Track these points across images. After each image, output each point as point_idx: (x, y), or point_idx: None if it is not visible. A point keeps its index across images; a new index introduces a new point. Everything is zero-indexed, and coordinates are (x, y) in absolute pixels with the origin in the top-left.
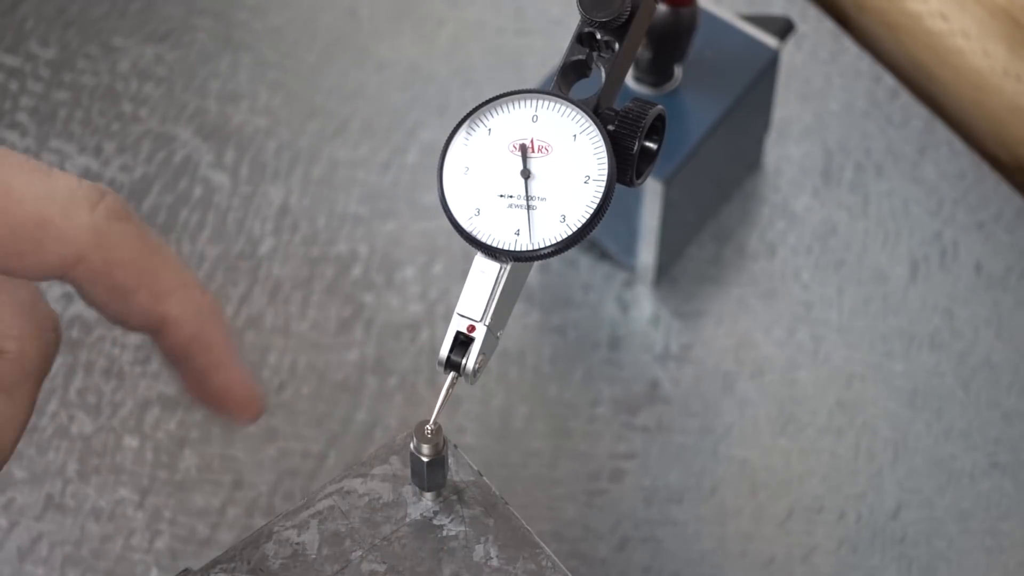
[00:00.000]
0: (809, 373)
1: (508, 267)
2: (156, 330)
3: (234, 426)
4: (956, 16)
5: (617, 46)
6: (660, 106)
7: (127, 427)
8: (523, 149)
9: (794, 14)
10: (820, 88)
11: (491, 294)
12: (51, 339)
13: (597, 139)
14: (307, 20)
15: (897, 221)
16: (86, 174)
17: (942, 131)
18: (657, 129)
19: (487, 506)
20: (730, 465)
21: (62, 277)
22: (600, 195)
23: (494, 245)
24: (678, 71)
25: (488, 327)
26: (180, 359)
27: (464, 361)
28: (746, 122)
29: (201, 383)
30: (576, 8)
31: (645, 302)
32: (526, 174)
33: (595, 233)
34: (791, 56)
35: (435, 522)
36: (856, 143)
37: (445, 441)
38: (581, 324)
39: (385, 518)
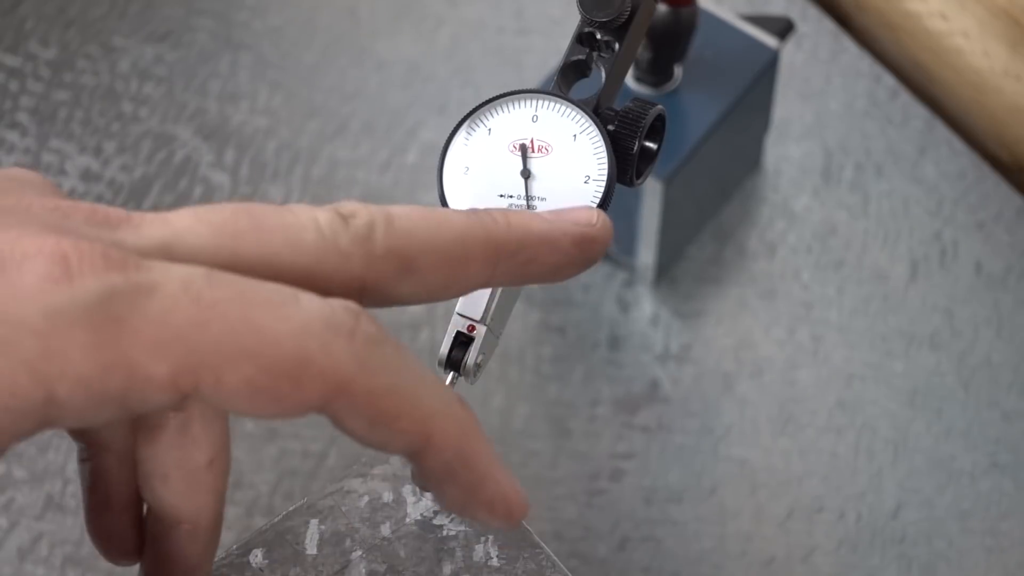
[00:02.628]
0: (809, 373)
1: None
2: (418, 452)
3: (495, 527)
4: (956, 16)
5: (617, 46)
6: (660, 106)
7: None
8: (523, 149)
9: (794, 14)
10: (820, 88)
11: (491, 294)
12: (212, 509)
13: (597, 139)
14: (307, 20)
15: (897, 221)
16: (86, 174)
17: (942, 131)
18: (657, 129)
19: None
20: (730, 465)
21: (319, 411)
22: (600, 195)
23: None
24: (678, 71)
25: (488, 327)
26: (444, 477)
27: (464, 361)
28: (746, 122)
29: (468, 498)
30: (576, 8)
31: (645, 302)
32: (526, 174)
33: None
34: (791, 56)
35: (435, 522)
36: (856, 143)
37: None
38: (581, 324)
39: (385, 518)
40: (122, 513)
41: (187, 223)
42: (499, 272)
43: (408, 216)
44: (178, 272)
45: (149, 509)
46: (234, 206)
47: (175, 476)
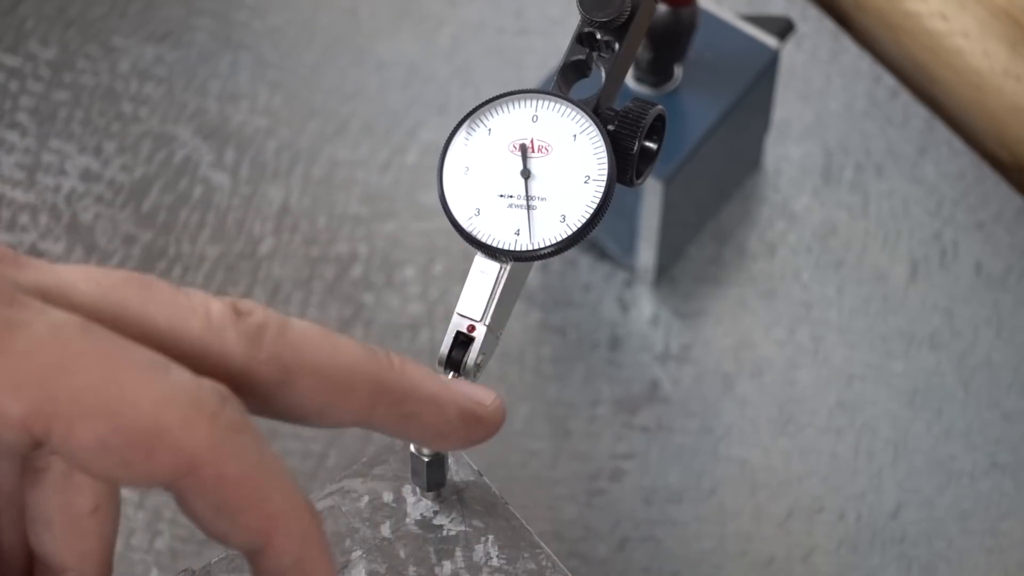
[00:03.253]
0: (809, 373)
1: (508, 267)
2: (257, 551)
3: None
4: (956, 16)
5: (617, 46)
6: (660, 106)
7: None
8: (523, 149)
9: (794, 14)
10: (820, 88)
11: (491, 294)
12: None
13: (597, 139)
14: (307, 20)
15: (897, 221)
16: (86, 174)
17: (942, 131)
18: (657, 129)
19: (487, 506)
20: (730, 465)
21: (165, 486)
22: (600, 195)
23: (494, 245)
24: (678, 71)
25: (488, 327)
26: None
27: (464, 361)
28: (746, 122)
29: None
30: (576, 8)
31: (645, 302)
32: (526, 174)
33: (595, 233)
34: (791, 56)
35: (435, 522)
36: (856, 143)
37: None
38: (581, 324)
39: (385, 518)
40: (13, 559)
41: (75, 276)
42: (377, 416)
43: (303, 331)
44: (53, 315)
45: (35, 556)
46: (130, 273)
47: (58, 522)
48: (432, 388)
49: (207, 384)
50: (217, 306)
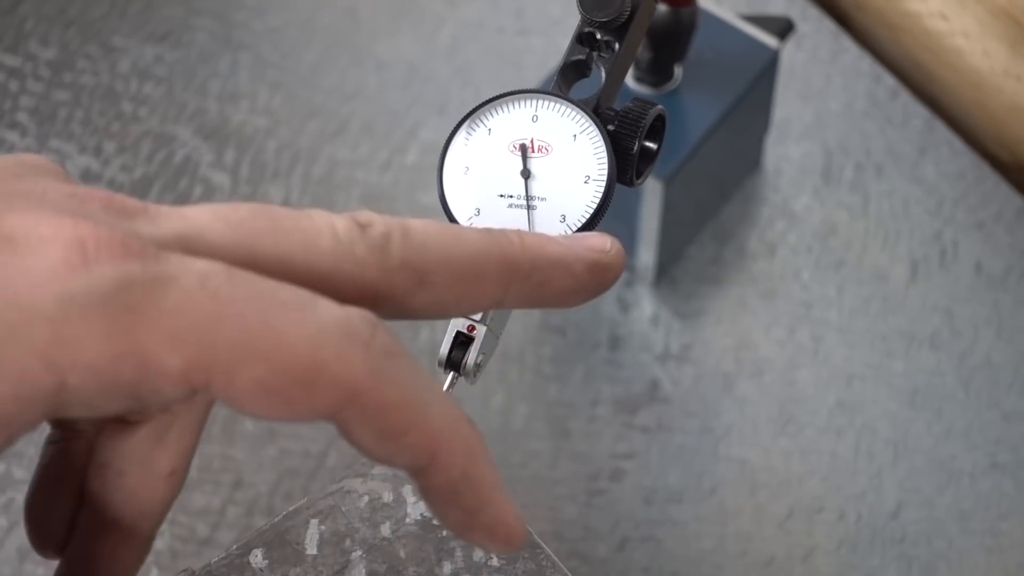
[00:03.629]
0: (809, 373)
1: None
2: (423, 469)
3: (491, 551)
4: (956, 16)
5: (617, 46)
6: (660, 106)
7: None
8: (523, 149)
9: (794, 14)
10: (820, 88)
11: None
12: (159, 516)
13: (597, 139)
14: (307, 20)
15: (897, 221)
16: (86, 174)
17: (942, 131)
18: (657, 129)
19: None
20: (730, 465)
21: (327, 418)
22: (600, 195)
23: None
24: (678, 71)
25: (488, 327)
26: (446, 498)
27: (464, 361)
28: (746, 122)
29: (468, 520)
30: (576, 8)
31: (645, 302)
32: (526, 174)
33: None
34: (791, 56)
35: (435, 522)
36: (856, 143)
37: None
38: (581, 324)
39: (385, 518)
40: (67, 499)
41: (205, 218)
42: (512, 293)
43: (424, 229)
44: (197, 266)
45: (87, 505)
46: (252, 206)
47: (132, 474)
48: (556, 252)
49: (355, 313)
50: (341, 223)
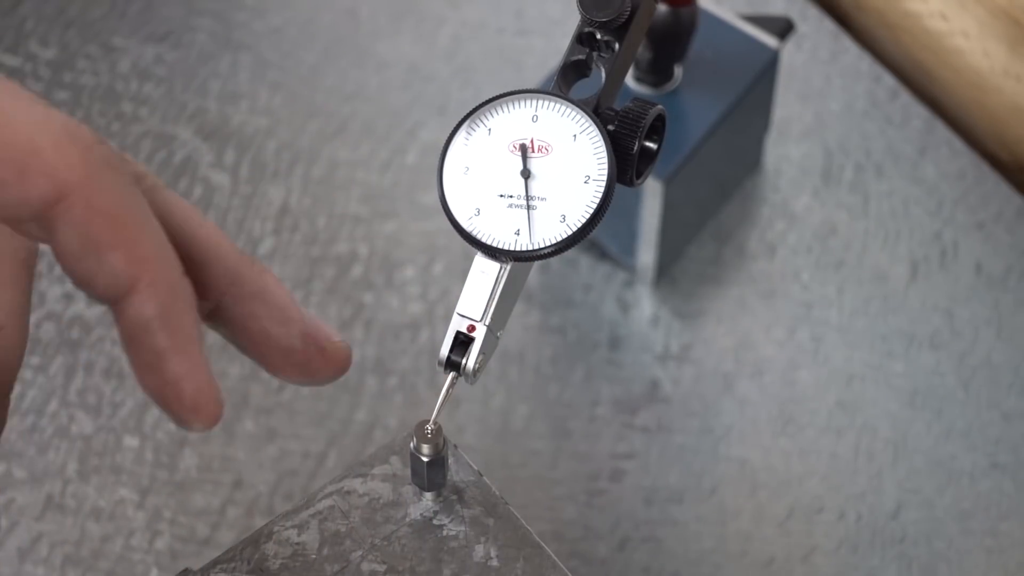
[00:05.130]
0: (809, 373)
1: (508, 267)
2: (121, 298)
3: (187, 430)
4: (956, 16)
5: (617, 46)
6: (660, 106)
7: (127, 427)
8: (523, 149)
9: (794, 14)
10: (820, 88)
11: (491, 294)
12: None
13: (597, 139)
14: (307, 20)
15: (897, 221)
16: None
17: (942, 131)
18: (657, 129)
19: (487, 506)
20: (730, 465)
21: (37, 217)
22: (600, 195)
23: (494, 245)
24: (678, 71)
25: (488, 327)
26: (138, 335)
27: (464, 361)
28: (746, 122)
29: (155, 369)
30: (576, 8)
31: (645, 302)
32: (526, 174)
33: (595, 233)
34: (791, 56)
35: (435, 522)
36: (856, 143)
37: (445, 441)
38: (581, 324)
39: (385, 518)
40: None
41: None
42: (225, 303)
43: (176, 198)
44: None
45: None
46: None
47: None
48: (284, 299)
49: (84, 126)
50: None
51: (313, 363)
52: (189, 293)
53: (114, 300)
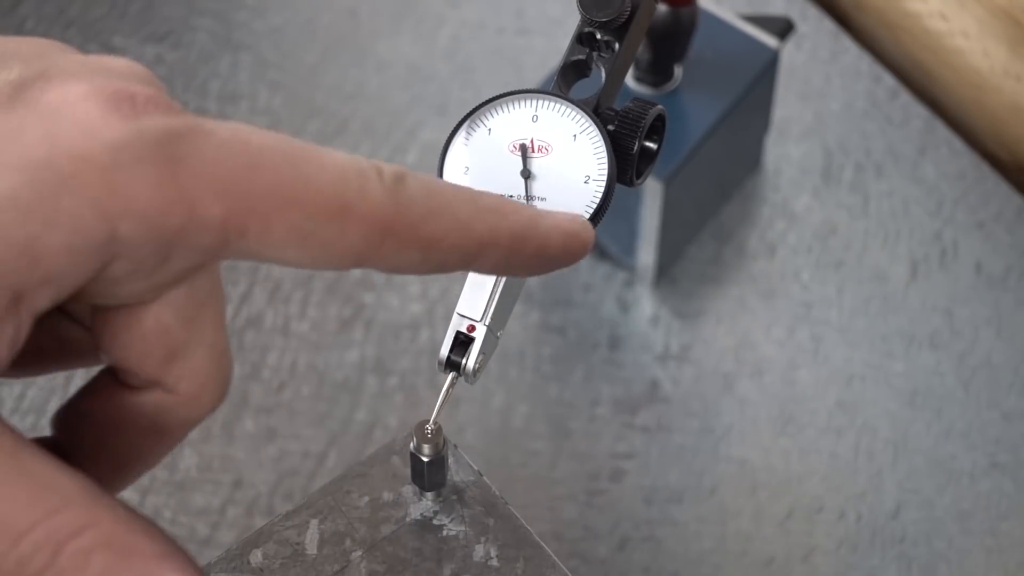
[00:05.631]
0: (809, 373)
1: None
2: (474, 259)
3: (568, 260)
4: (956, 16)
5: (617, 46)
6: (660, 106)
7: None
8: (523, 149)
9: (794, 14)
10: (820, 88)
11: (491, 294)
12: (225, 390)
13: (597, 139)
14: (307, 20)
15: (897, 221)
16: None
17: (942, 131)
18: (657, 129)
19: (487, 506)
20: (730, 465)
21: (368, 259)
22: (600, 195)
23: None
24: (678, 71)
25: (488, 327)
26: (511, 261)
27: (464, 361)
28: (746, 122)
29: (540, 257)
30: (576, 8)
31: (645, 302)
32: (526, 174)
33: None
34: (791, 56)
35: (435, 522)
36: (856, 143)
37: (445, 441)
38: (581, 324)
39: (385, 518)
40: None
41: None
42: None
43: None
44: (228, 123)
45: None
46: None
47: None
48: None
49: (357, 156)
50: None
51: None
52: (514, 205)
53: (471, 264)
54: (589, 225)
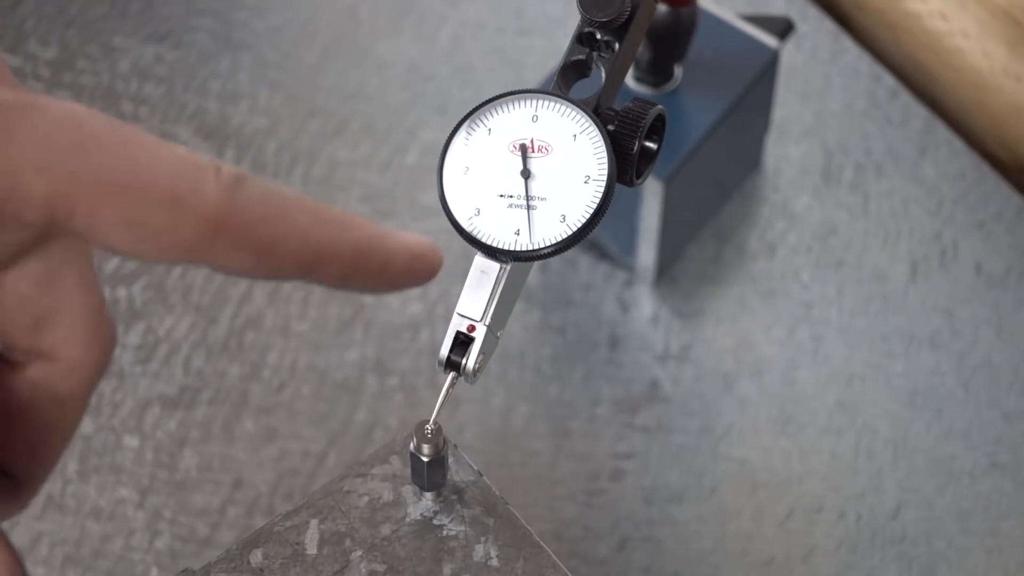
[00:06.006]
0: (809, 373)
1: (508, 267)
2: (311, 270)
3: (423, 284)
4: (956, 16)
5: (617, 46)
6: (660, 106)
7: (127, 427)
8: (523, 149)
9: (794, 14)
10: (820, 88)
11: (491, 294)
12: (110, 349)
13: (597, 139)
14: (307, 20)
15: (897, 221)
16: None
17: (942, 131)
18: (657, 129)
19: (487, 506)
20: (730, 465)
21: (200, 255)
22: (600, 195)
23: (494, 245)
24: (678, 71)
25: (488, 327)
26: (352, 275)
27: (464, 361)
28: (746, 122)
29: (384, 274)
30: (576, 8)
31: (645, 302)
32: (526, 174)
33: (595, 233)
34: (791, 56)
35: (435, 522)
36: (856, 143)
37: (445, 441)
38: (581, 324)
39: (385, 518)
40: None
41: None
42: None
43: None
44: (64, 103)
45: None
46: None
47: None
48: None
49: (199, 154)
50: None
51: (416, 274)
52: (352, 218)
53: (308, 274)
54: (437, 250)
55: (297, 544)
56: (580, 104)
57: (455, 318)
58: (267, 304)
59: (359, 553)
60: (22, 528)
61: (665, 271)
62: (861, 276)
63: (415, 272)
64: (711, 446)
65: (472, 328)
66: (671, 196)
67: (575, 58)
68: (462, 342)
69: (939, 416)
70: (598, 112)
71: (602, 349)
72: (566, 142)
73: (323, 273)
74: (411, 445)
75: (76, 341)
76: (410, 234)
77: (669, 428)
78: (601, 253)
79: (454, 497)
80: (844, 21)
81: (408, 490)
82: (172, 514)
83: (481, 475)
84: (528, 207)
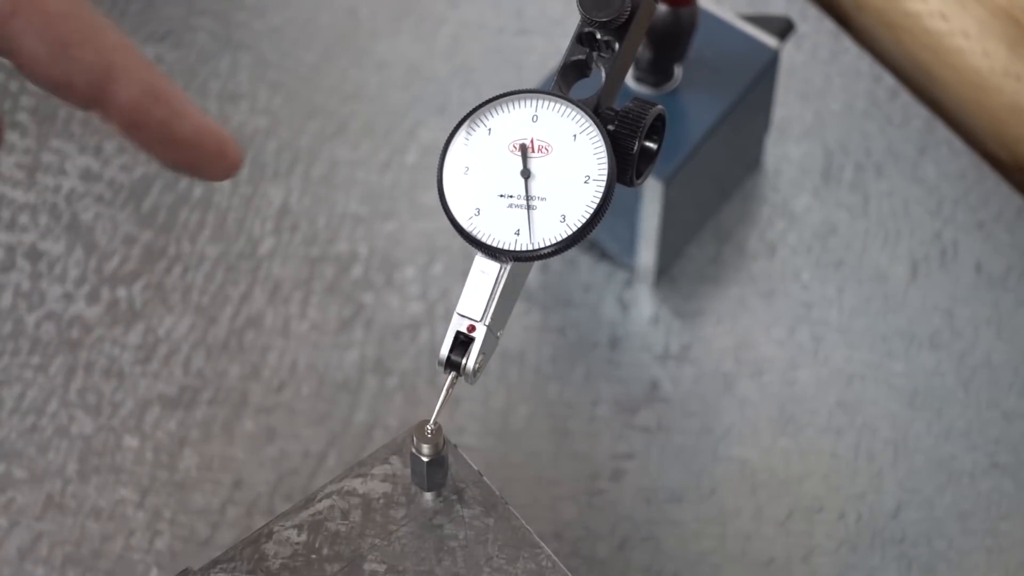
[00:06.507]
0: (809, 373)
1: (508, 267)
2: (103, 90)
3: (213, 181)
4: (956, 16)
5: (617, 46)
6: (660, 106)
7: (127, 427)
8: (523, 149)
9: (794, 14)
10: (820, 88)
11: (491, 294)
12: None
13: (597, 139)
14: (307, 20)
15: (897, 221)
16: (86, 174)
17: (942, 131)
18: (657, 129)
19: (487, 506)
20: (730, 465)
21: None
22: (600, 195)
23: (494, 245)
24: (678, 71)
25: (488, 327)
26: (138, 118)
27: (464, 361)
28: (746, 122)
29: (167, 138)
30: (576, 8)
31: (645, 302)
32: (526, 174)
33: (595, 233)
34: (791, 56)
35: (435, 522)
36: (856, 143)
37: (445, 441)
38: (581, 324)
39: (385, 518)
40: None
41: None
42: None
43: None
44: None
45: None
46: None
47: None
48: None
49: None
50: None
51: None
52: (160, 72)
53: (99, 95)
54: (239, 149)
55: (297, 544)
56: (580, 104)
57: (455, 318)
58: (267, 304)
59: (359, 553)
60: (22, 528)
61: (665, 271)
62: (861, 276)
63: (204, 148)
64: (711, 446)
65: (472, 328)
66: (671, 196)
67: (575, 58)
68: (462, 342)
69: (939, 416)
70: (598, 112)
71: (602, 349)
72: (566, 142)
73: (112, 104)
74: (411, 445)
75: None
76: (218, 127)
77: (669, 428)
78: (601, 253)
79: (454, 497)
80: (844, 21)
81: (408, 490)
82: (172, 514)
83: (481, 475)
84: (528, 207)
